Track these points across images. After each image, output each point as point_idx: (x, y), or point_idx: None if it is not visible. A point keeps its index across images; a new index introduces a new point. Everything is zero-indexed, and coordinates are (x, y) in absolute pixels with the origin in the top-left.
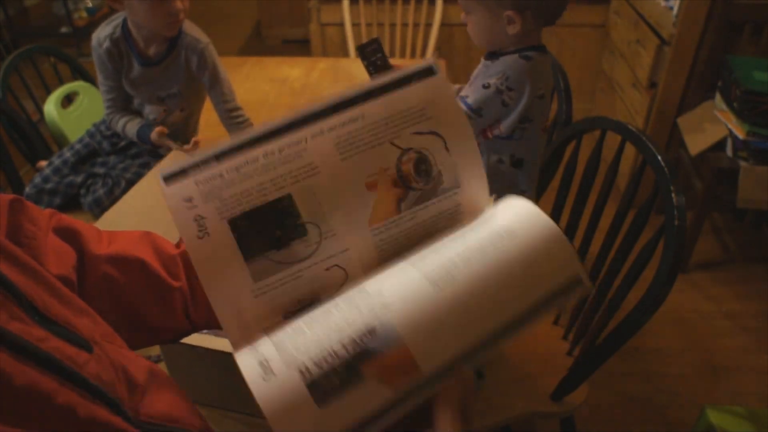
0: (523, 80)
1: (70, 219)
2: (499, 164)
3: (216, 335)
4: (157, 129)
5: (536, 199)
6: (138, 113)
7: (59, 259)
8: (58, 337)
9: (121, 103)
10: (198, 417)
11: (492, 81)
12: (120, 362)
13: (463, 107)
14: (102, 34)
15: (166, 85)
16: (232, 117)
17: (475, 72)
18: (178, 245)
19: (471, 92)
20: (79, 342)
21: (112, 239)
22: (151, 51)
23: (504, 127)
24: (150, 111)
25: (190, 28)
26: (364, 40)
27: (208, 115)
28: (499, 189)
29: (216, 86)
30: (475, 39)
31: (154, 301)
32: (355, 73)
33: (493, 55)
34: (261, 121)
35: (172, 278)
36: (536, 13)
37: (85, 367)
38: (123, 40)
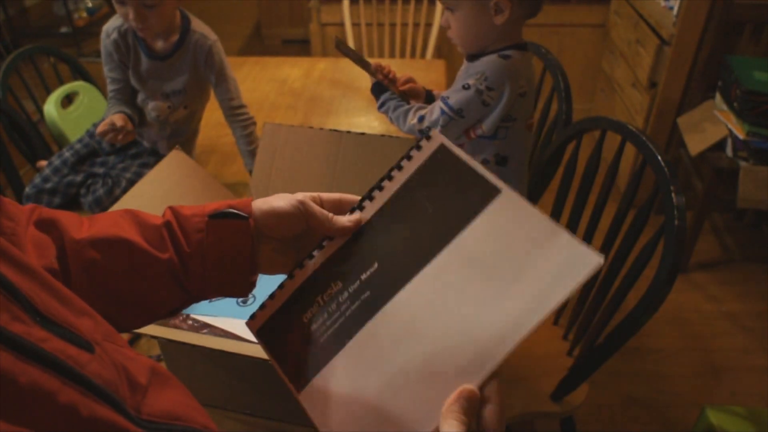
0: (502, 79)
1: (50, 210)
2: (484, 164)
3: (215, 335)
4: (115, 116)
5: (527, 196)
6: (140, 110)
7: (39, 251)
8: (59, 337)
9: (122, 96)
10: (201, 414)
11: (471, 82)
12: (121, 362)
13: (445, 108)
14: (111, 25)
15: (172, 80)
16: (236, 115)
17: (458, 73)
18: (163, 215)
19: (452, 93)
20: (80, 343)
21: (92, 222)
22: (159, 45)
23: (486, 126)
24: (154, 107)
25: (199, 26)
26: (364, 40)
27: (209, 115)
28: None
29: (222, 83)
30: (459, 41)
31: (143, 278)
32: (355, 74)
33: (474, 57)
34: (262, 120)
35: (159, 251)
36: (522, 1)
37: (87, 366)
38: (131, 33)
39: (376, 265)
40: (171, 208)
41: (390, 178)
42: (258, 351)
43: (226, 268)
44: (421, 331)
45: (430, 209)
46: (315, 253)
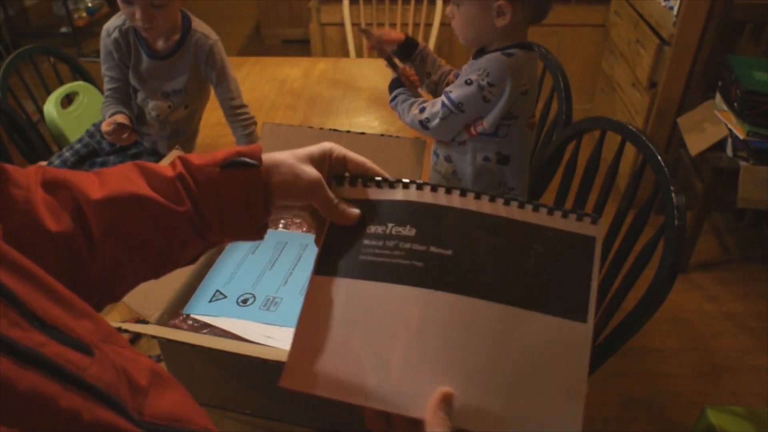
0: (503, 76)
1: (56, 170)
2: (486, 162)
3: (215, 335)
4: (118, 116)
5: (528, 195)
6: (140, 109)
7: (56, 216)
8: (58, 342)
9: (119, 96)
10: (201, 416)
11: (473, 77)
12: (121, 364)
13: (446, 101)
14: (112, 24)
15: (173, 80)
16: (236, 114)
17: (463, 69)
18: (173, 166)
19: (454, 87)
20: (80, 346)
21: (103, 180)
22: (159, 45)
23: (487, 123)
24: (154, 107)
25: (200, 26)
26: (364, 40)
27: (209, 115)
28: (487, 186)
29: (223, 83)
30: (460, 34)
31: (164, 232)
32: (355, 74)
33: (479, 53)
34: (262, 120)
35: (176, 203)
36: (525, 6)
37: (87, 370)
38: (132, 32)
39: (450, 252)
40: (180, 158)
41: (536, 208)
42: (258, 351)
43: (241, 216)
44: (428, 336)
45: (529, 267)
46: (424, 188)
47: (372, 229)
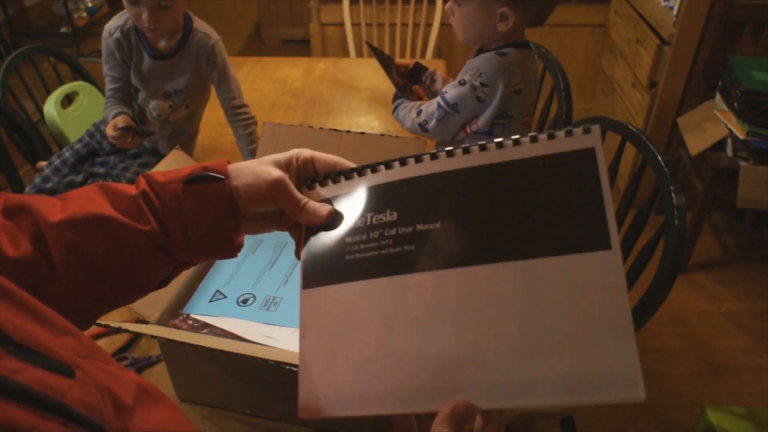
0: (495, 76)
1: (18, 196)
2: None
3: (215, 335)
4: (119, 119)
5: None
6: (141, 109)
7: (14, 241)
8: (36, 366)
9: (121, 95)
10: (191, 428)
11: (467, 77)
12: (104, 383)
13: (442, 102)
14: (113, 24)
15: (174, 80)
16: (237, 114)
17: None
18: (137, 185)
19: (449, 88)
20: (60, 368)
21: (66, 203)
22: (161, 45)
23: (481, 122)
24: (155, 107)
25: (201, 25)
26: (364, 40)
27: (210, 114)
28: None
29: (224, 83)
30: (460, 33)
31: (127, 252)
32: (355, 74)
33: (478, 52)
34: (262, 120)
35: (139, 222)
36: (528, 12)
37: (68, 394)
38: (134, 32)
39: (438, 224)
40: (145, 176)
41: (517, 142)
42: (258, 351)
43: (208, 233)
44: (443, 321)
45: (529, 209)
46: (393, 164)
47: (352, 224)
